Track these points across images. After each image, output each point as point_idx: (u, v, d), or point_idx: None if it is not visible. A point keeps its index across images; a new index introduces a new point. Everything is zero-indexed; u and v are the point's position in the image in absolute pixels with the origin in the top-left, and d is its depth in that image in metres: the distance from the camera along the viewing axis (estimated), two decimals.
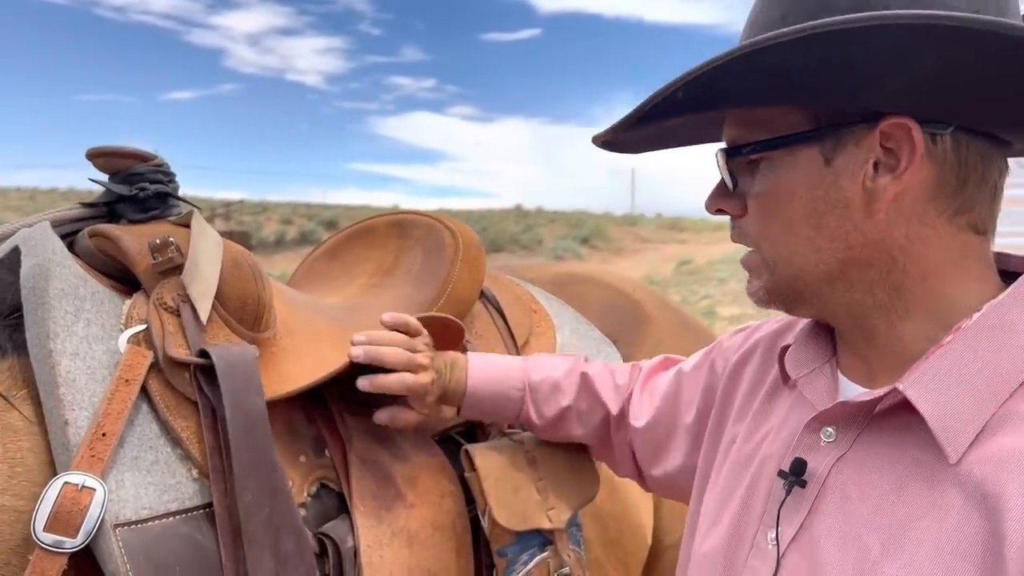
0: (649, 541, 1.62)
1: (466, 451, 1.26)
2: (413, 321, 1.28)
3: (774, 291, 0.84)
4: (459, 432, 1.36)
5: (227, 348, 1.09)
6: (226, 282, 1.15)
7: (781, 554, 0.79)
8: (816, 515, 0.78)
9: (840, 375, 0.86)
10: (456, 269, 1.46)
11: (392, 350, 1.22)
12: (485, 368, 1.29)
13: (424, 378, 1.23)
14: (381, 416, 1.24)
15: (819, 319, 0.89)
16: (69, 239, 1.21)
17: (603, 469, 1.40)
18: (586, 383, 1.27)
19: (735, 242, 0.87)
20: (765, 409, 0.93)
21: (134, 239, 1.16)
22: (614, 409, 1.25)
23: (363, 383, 1.20)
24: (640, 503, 1.59)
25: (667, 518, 1.79)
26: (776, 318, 1.03)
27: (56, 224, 1.19)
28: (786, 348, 0.91)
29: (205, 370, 1.07)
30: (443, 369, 1.27)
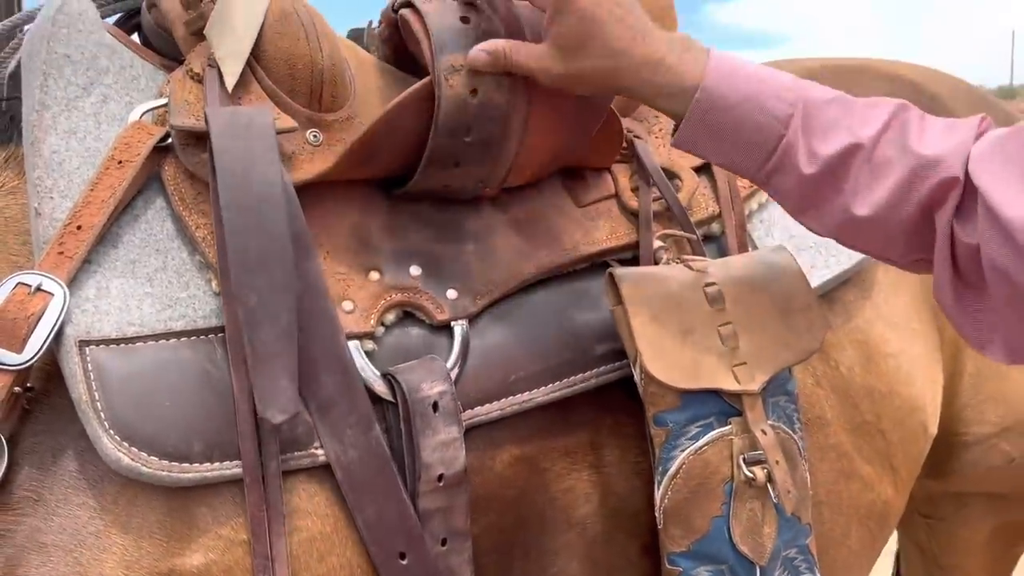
0: (931, 430, 1.13)
1: (611, 275, 0.88)
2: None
3: None
4: (620, 259, 0.97)
5: (235, 109, 0.81)
6: (267, 39, 0.86)
7: None
8: None
9: None
10: None
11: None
12: (733, 65, 0.79)
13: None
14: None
15: None
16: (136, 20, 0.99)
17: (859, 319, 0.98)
18: (902, 118, 0.77)
19: None
20: None
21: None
22: (952, 169, 0.72)
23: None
24: (916, 375, 1.11)
25: (971, 404, 1.27)
26: None
27: None
28: None
29: None
30: (663, 46, 0.78)
